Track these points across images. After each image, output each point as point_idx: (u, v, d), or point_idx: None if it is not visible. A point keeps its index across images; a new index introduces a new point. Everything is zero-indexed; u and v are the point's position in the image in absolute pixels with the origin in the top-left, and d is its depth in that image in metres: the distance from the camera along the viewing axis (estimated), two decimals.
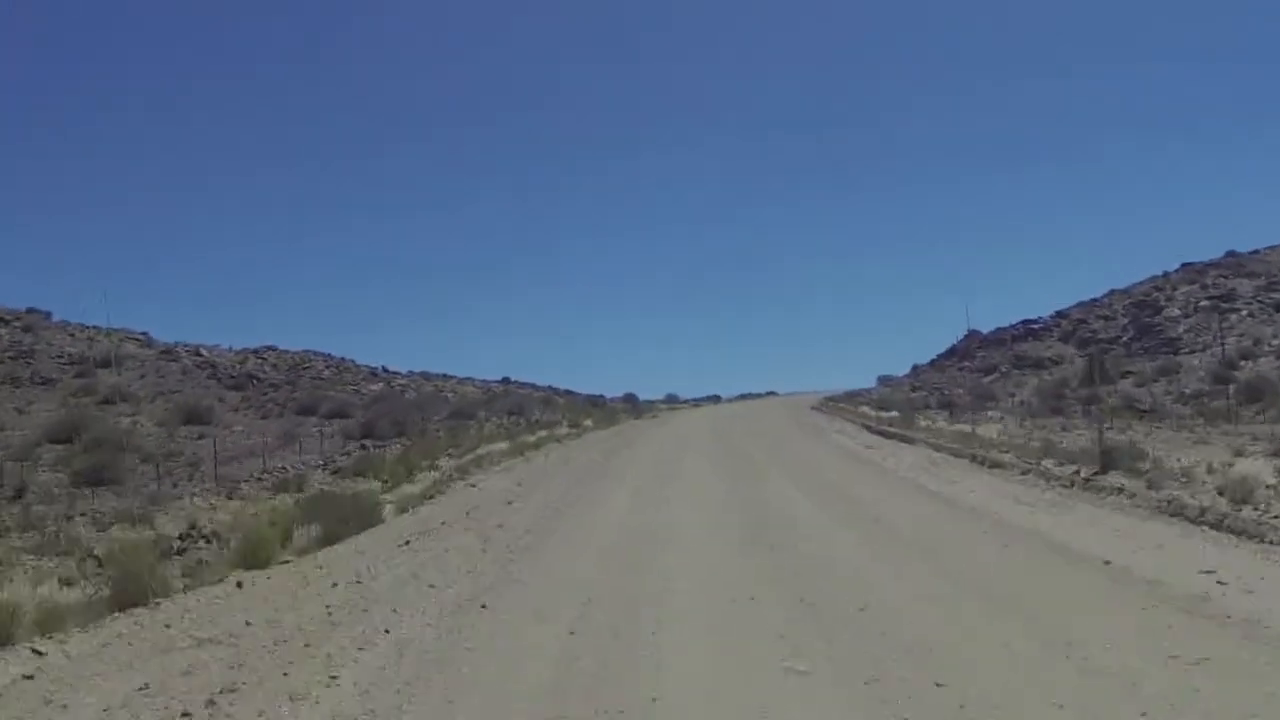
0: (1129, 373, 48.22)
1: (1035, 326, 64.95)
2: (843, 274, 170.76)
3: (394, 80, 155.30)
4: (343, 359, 73.88)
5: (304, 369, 67.12)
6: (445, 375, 78.22)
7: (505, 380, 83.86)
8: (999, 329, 67.25)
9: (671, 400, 63.09)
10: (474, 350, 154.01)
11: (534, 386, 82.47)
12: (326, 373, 66.57)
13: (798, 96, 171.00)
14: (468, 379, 78.40)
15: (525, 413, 42.06)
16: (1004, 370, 57.59)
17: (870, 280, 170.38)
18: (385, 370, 70.96)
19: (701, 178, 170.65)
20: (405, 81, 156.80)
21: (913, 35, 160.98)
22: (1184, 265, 72.03)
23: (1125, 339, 57.27)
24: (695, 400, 68.50)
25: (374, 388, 60.26)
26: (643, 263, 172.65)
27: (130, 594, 9.20)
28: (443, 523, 14.70)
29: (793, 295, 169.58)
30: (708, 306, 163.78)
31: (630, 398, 65.28)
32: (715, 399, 75.10)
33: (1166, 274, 72.09)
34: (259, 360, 69.66)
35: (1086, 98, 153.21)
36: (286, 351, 73.82)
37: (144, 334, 67.06)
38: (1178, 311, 58.59)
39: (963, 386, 54.31)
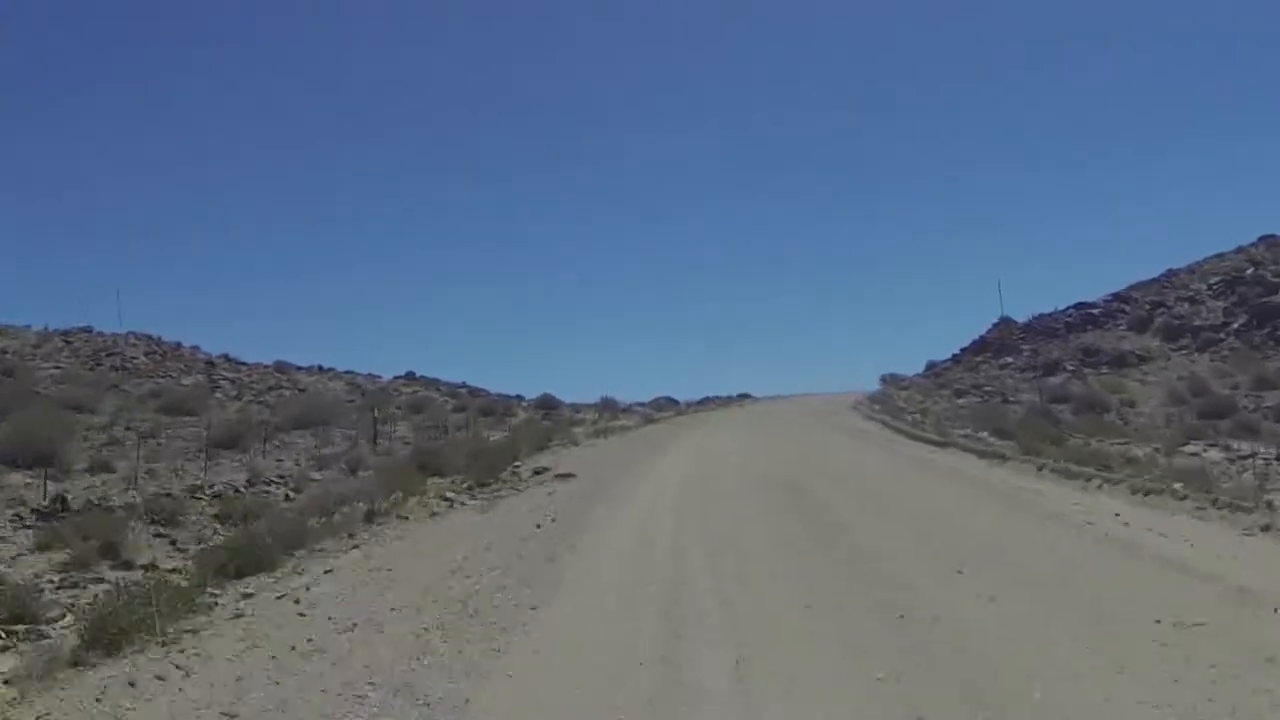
0: None
1: (1094, 312, 49.10)
2: (823, 263, 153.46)
3: (340, 78, 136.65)
4: (177, 345, 56.31)
5: (110, 355, 50.28)
6: (321, 368, 61.09)
7: (408, 375, 66.82)
8: (1041, 315, 51.36)
9: (608, 405, 44.89)
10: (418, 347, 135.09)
11: (440, 383, 65.45)
12: (138, 360, 49.56)
13: (761, 84, 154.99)
14: (350, 372, 61.23)
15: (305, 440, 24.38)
16: (1071, 368, 41.57)
17: (858, 271, 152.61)
18: (228, 359, 53.68)
19: (665, 166, 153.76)
20: (348, 80, 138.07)
21: (903, 21, 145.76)
22: (1263, 238, 57.66)
23: (1237, 326, 41.59)
24: (644, 407, 50.64)
25: (188, 381, 43.00)
26: (595, 255, 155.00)
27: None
28: None
29: (765, 287, 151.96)
30: (659, 299, 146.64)
31: (548, 401, 47.79)
32: (670, 403, 57.32)
33: (1242, 248, 57.53)
34: (65, 343, 53.47)
35: (1072, 91, 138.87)
36: (102, 334, 56.73)
37: None
38: None
39: (1024, 390, 38.24)
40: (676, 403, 57.60)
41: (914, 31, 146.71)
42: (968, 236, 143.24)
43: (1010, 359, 46.45)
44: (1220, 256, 57.49)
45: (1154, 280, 54.48)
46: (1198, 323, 43.35)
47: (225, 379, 45.22)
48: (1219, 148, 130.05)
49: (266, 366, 54.84)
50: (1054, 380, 39.48)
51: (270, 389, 43.96)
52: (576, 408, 47.10)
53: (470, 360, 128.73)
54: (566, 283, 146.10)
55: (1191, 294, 48.06)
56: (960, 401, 36.68)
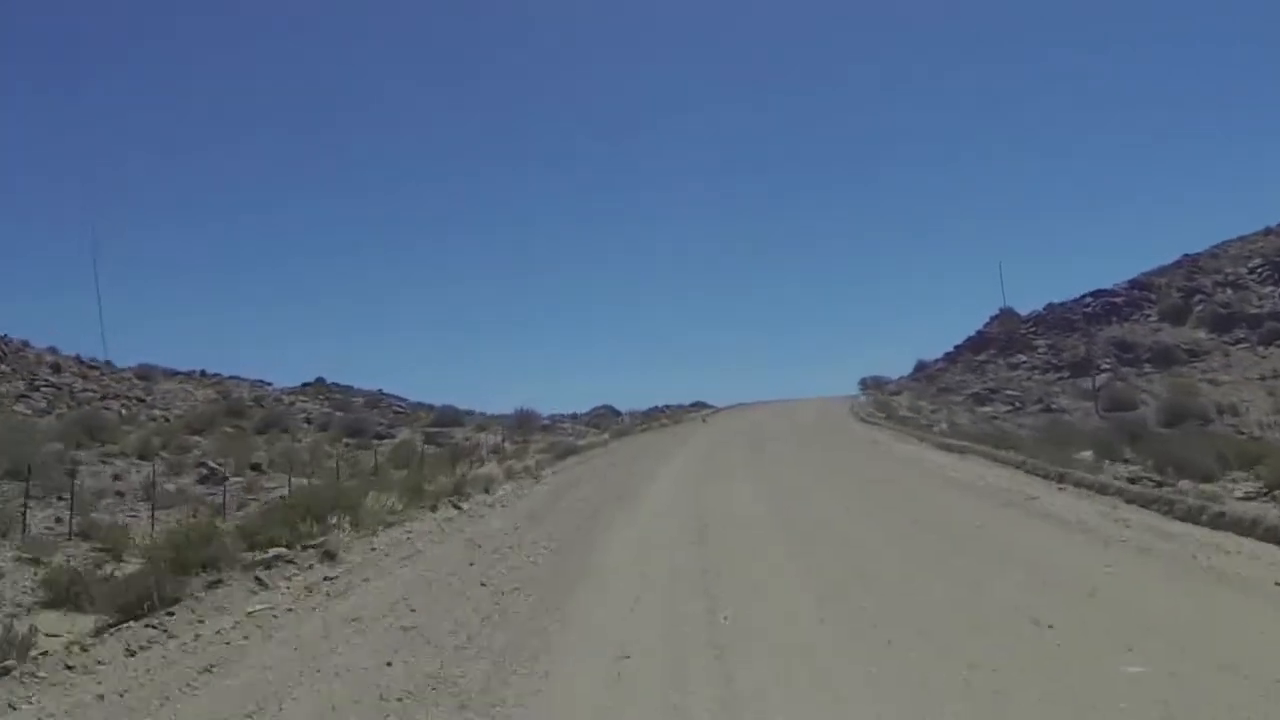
0: None
1: (1117, 300, 41.50)
2: (783, 255, 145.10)
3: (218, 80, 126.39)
4: (24, 344, 46.52)
5: None
6: (204, 373, 51.99)
7: (317, 381, 57.77)
8: (1054, 305, 43.72)
9: (524, 420, 35.47)
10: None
11: (353, 391, 56.60)
12: None
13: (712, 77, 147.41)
14: (235, 378, 52.14)
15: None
16: (1106, 365, 33.81)
17: (825, 264, 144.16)
18: (80, 362, 44.23)
19: (622, 157, 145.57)
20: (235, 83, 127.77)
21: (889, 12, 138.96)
22: None
23: None
24: (580, 421, 42.45)
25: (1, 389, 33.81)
26: (558, 253, 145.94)
27: None
28: None
29: (718, 284, 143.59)
30: (604, 301, 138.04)
31: (445, 417, 38.75)
32: (612, 414, 48.46)
33: (1270, 229, 50.81)
34: None
35: (1068, 79, 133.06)
36: None
37: None
38: None
39: (1058, 393, 30.40)
40: (619, 414, 48.18)
41: (897, 24, 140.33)
42: (951, 226, 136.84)
43: (1024, 357, 38.64)
44: (1244, 239, 50.67)
45: (1175, 265, 47.21)
46: (1252, 311, 35.91)
47: (52, 386, 35.61)
48: (1217, 135, 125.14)
49: (127, 371, 45.80)
50: (1094, 383, 31.64)
51: (106, 398, 34.77)
52: (484, 423, 38.10)
53: (433, 367, 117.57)
54: (509, 282, 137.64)
55: (1231, 279, 40.68)
56: (986, 409, 28.80)
